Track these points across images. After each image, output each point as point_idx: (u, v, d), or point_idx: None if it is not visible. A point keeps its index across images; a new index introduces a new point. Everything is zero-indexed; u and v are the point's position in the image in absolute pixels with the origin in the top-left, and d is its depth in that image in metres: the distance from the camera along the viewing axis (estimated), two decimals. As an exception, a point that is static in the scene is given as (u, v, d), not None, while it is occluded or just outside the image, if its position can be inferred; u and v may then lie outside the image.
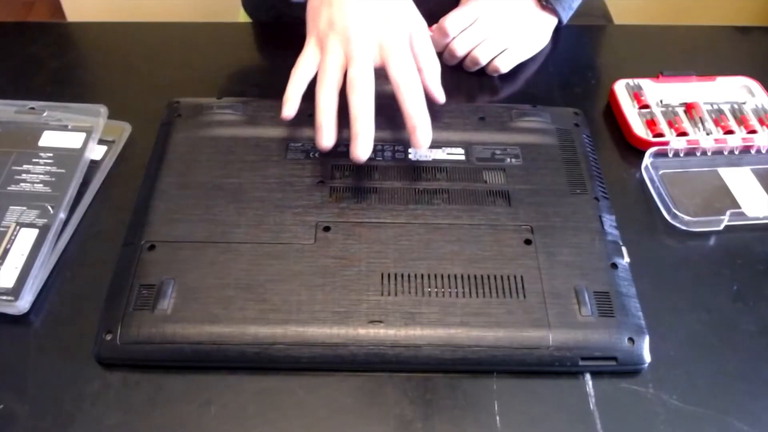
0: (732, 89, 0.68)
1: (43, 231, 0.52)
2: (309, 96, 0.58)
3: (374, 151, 0.57)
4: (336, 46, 0.54)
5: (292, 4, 0.80)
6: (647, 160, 0.60)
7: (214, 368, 0.46)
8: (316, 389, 0.46)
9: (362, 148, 0.51)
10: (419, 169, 0.56)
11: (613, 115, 0.66)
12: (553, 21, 0.72)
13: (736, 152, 0.61)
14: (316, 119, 0.53)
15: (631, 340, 0.46)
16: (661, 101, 0.66)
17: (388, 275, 0.48)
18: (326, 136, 0.52)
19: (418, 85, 0.54)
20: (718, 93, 0.67)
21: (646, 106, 0.65)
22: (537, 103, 0.63)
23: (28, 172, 0.56)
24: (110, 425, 0.44)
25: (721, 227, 0.56)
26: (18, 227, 0.52)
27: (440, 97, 0.59)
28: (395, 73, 0.53)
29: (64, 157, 0.57)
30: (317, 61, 0.56)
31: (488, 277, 0.48)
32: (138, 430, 0.43)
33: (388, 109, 0.60)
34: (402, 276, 0.48)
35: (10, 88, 0.68)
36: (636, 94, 0.66)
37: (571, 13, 0.73)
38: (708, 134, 0.62)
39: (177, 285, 0.47)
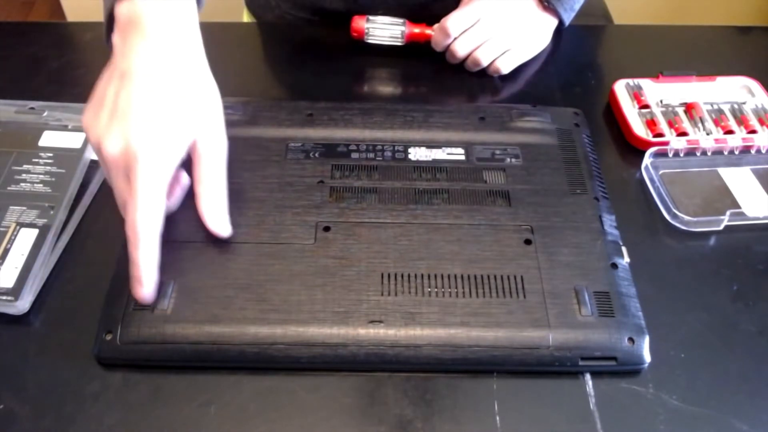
0: (732, 89, 0.68)
1: (43, 231, 0.52)
2: (309, 94, 0.58)
3: (374, 150, 0.57)
4: (120, 177, 0.46)
5: (296, 4, 0.80)
6: (647, 160, 0.60)
7: (214, 368, 0.46)
8: (316, 389, 0.46)
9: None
10: (419, 169, 0.56)
11: (613, 115, 0.66)
12: (553, 22, 0.72)
13: (736, 152, 0.61)
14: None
15: (631, 340, 0.46)
16: (661, 101, 0.66)
17: (388, 275, 0.48)
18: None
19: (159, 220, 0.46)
20: (718, 93, 0.67)
21: (646, 106, 0.65)
22: (537, 103, 0.63)
23: (28, 172, 0.56)
24: (110, 425, 0.43)
25: (721, 227, 0.56)
26: (18, 227, 0.52)
27: (223, 232, 0.49)
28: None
29: (64, 157, 0.57)
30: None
31: (488, 277, 0.48)
32: (138, 430, 0.43)
33: (388, 110, 0.60)
34: (402, 276, 0.48)
35: (10, 88, 0.67)
36: (636, 94, 0.66)
37: (572, 14, 0.72)
38: (708, 134, 0.62)
39: (177, 285, 0.47)
